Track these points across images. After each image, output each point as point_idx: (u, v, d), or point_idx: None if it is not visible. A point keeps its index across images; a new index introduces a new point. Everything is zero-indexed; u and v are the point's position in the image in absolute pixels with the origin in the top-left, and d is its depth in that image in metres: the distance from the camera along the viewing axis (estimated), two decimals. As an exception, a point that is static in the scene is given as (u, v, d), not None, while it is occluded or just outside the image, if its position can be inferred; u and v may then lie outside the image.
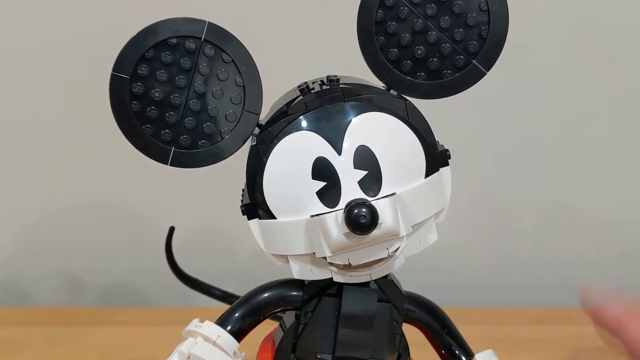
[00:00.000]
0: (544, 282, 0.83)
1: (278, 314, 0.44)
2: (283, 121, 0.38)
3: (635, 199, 0.82)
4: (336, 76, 0.40)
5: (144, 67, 0.38)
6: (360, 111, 0.38)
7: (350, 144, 0.37)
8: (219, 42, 0.38)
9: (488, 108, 0.78)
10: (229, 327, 0.42)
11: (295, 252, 0.38)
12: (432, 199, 0.39)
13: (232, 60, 0.38)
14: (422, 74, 0.39)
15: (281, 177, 0.38)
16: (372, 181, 0.37)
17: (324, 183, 0.37)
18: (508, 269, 0.82)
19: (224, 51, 0.38)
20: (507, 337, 0.72)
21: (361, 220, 0.35)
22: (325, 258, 0.37)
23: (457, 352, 0.44)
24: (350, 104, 0.38)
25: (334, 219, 0.36)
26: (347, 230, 0.35)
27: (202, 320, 0.42)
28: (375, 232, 0.35)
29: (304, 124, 0.38)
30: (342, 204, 0.37)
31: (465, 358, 0.44)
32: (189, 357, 0.41)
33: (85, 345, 0.70)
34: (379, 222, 0.35)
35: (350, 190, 0.37)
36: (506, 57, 0.80)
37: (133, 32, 0.38)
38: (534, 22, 0.76)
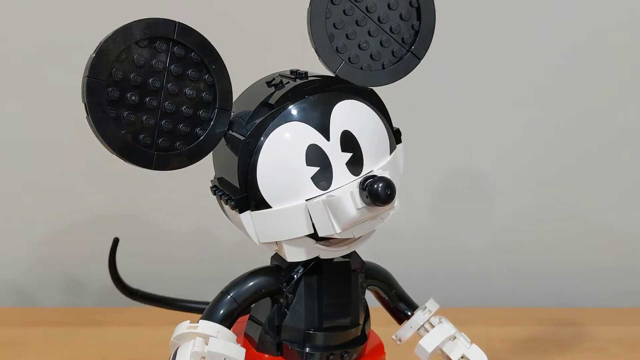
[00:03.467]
0: (544, 282, 0.83)
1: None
2: (270, 114, 0.40)
3: (634, 200, 0.82)
4: (299, 70, 0.43)
5: (117, 70, 0.37)
6: (338, 99, 0.41)
7: (335, 130, 0.40)
8: (188, 42, 0.39)
9: (492, 110, 0.79)
10: (220, 322, 0.43)
11: (294, 236, 0.41)
12: (395, 173, 0.43)
13: (202, 59, 0.39)
14: (366, 64, 0.43)
15: (276, 167, 0.40)
16: (356, 162, 0.41)
17: (318, 168, 0.40)
18: (508, 269, 0.82)
19: (193, 50, 0.39)
20: (507, 337, 0.72)
21: (387, 191, 0.38)
22: (314, 239, 0.41)
23: (403, 305, 0.50)
24: (328, 94, 0.41)
25: (350, 196, 0.38)
26: (362, 205, 0.38)
27: (194, 321, 0.43)
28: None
29: (291, 115, 0.40)
30: (334, 185, 0.40)
31: (409, 309, 0.50)
32: (203, 358, 0.41)
33: (85, 345, 0.70)
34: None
35: (341, 172, 0.40)
36: (514, 58, 0.80)
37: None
38: (546, 23, 0.76)
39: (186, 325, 0.42)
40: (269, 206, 0.40)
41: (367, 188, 0.38)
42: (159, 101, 0.38)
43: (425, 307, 0.49)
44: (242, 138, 0.40)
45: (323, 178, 0.40)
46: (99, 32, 0.38)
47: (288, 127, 0.40)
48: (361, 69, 0.43)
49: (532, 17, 0.76)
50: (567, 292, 0.83)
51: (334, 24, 0.42)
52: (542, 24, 0.77)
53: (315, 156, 0.40)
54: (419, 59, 0.44)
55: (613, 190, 0.81)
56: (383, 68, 0.43)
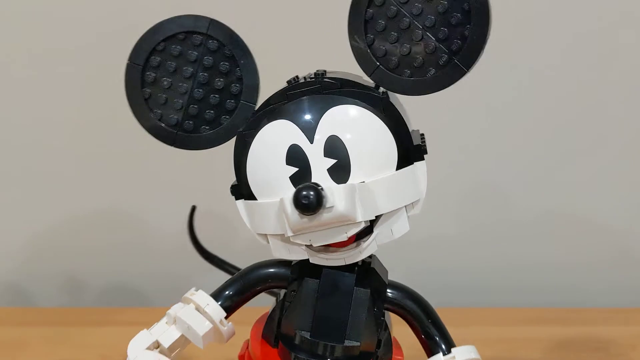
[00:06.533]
0: (543, 282, 0.83)
1: (275, 290, 0.47)
2: (266, 110, 0.42)
3: (633, 200, 0.82)
4: (324, 70, 0.42)
5: (155, 57, 0.42)
6: (335, 103, 0.41)
7: (322, 133, 0.40)
8: (221, 37, 0.42)
9: (493, 109, 0.79)
10: (220, 301, 0.45)
11: (270, 232, 0.42)
12: (403, 191, 0.41)
13: (233, 54, 0.42)
14: (407, 70, 0.41)
15: (260, 162, 0.41)
16: (340, 169, 0.40)
17: (297, 169, 0.40)
18: (508, 269, 0.83)
19: (225, 45, 0.42)
20: (507, 337, 0.72)
21: (304, 202, 0.37)
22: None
23: (437, 339, 0.45)
24: (327, 96, 0.41)
25: (288, 201, 0.39)
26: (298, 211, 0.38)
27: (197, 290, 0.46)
28: (326, 215, 0.38)
29: (283, 113, 0.41)
30: None
31: (446, 347, 0.45)
32: (175, 320, 0.44)
33: (85, 345, 0.71)
34: (329, 205, 0.38)
35: (320, 177, 0.40)
36: (512, 58, 0.80)
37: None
38: (543, 24, 0.76)
39: (191, 291, 0.45)
40: (255, 198, 0.42)
41: (293, 194, 0.38)
42: (189, 88, 0.43)
43: (451, 352, 0.44)
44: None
45: (302, 180, 0.40)
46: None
47: (277, 124, 0.41)
48: (399, 75, 0.41)
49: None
50: (567, 291, 0.83)
51: (374, 28, 0.41)
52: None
53: (295, 157, 0.40)
54: (466, 70, 0.40)
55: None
56: (425, 76, 0.41)
